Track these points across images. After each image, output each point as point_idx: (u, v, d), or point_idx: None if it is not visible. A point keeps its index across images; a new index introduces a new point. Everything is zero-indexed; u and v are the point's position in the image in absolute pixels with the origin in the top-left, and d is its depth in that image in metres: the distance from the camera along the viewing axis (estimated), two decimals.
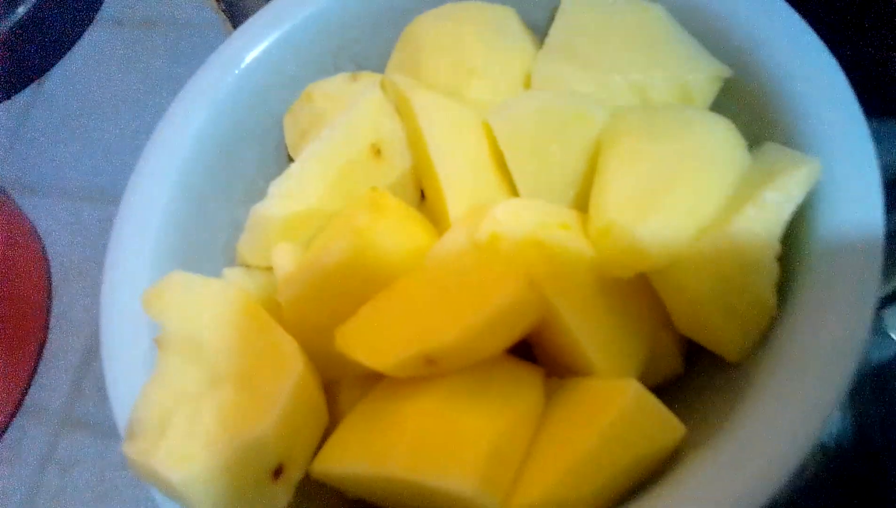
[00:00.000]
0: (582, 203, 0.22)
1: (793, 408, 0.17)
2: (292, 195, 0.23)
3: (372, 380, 0.22)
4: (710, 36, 0.24)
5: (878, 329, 0.34)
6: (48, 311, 0.34)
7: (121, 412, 0.22)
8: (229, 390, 0.20)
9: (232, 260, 0.27)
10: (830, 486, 0.57)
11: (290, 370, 0.20)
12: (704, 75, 0.23)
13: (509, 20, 0.27)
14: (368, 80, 0.28)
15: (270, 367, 0.20)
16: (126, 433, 0.21)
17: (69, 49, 0.43)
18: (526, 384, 0.21)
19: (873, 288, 0.18)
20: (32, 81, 0.42)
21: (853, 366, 0.17)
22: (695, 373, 0.22)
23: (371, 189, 0.23)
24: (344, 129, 0.24)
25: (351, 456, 0.20)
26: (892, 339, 0.38)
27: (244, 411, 0.19)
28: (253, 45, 0.28)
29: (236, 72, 0.28)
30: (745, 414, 0.18)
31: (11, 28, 0.39)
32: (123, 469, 0.30)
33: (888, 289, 0.25)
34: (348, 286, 0.21)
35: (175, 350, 0.21)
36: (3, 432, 0.31)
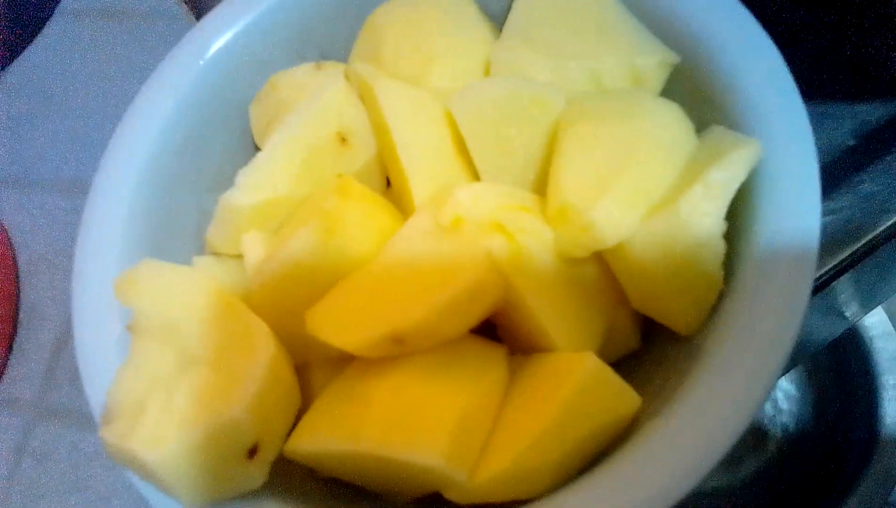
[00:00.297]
0: (541, 186, 0.23)
1: (737, 376, 0.19)
2: (260, 184, 0.24)
3: (342, 362, 0.22)
4: (659, 24, 0.24)
5: (832, 309, 0.36)
6: (17, 303, 0.34)
7: (95, 398, 0.22)
8: (203, 372, 0.20)
9: (201, 247, 0.28)
10: (792, 464, 0.59)
11: (262, 351, 0.20)
12: (654, 61, 0.24)
13: (468, 9, 0.28)
14: (332, 69, 0.29)
15: (242, 350, 0.21)
16: (101, 418, 0.21)
17: (30, 41, 0.42)
18: (490, 362, 0.22)
19: (811, 264, 0.19)
20: None
21: (794, 335, 0.18)
22: (651, 347, 0.23)
23: (337, 176, 0.23)
24: (309, 117, 0.24)
25: (323, 435, 0.20)
26: (846, 318, 0.40)
27: (218, 392, 0.20)
28: (218, 35, 0.28)
29: (202, 61, 0.28)
30: (694, 384, 0.19)
31: None
32: (98, 458, 0.30)
33: (835, 261, 0.27)
34: (317, 271, 0.22)
35: (148, 336, 0.21)
36: None
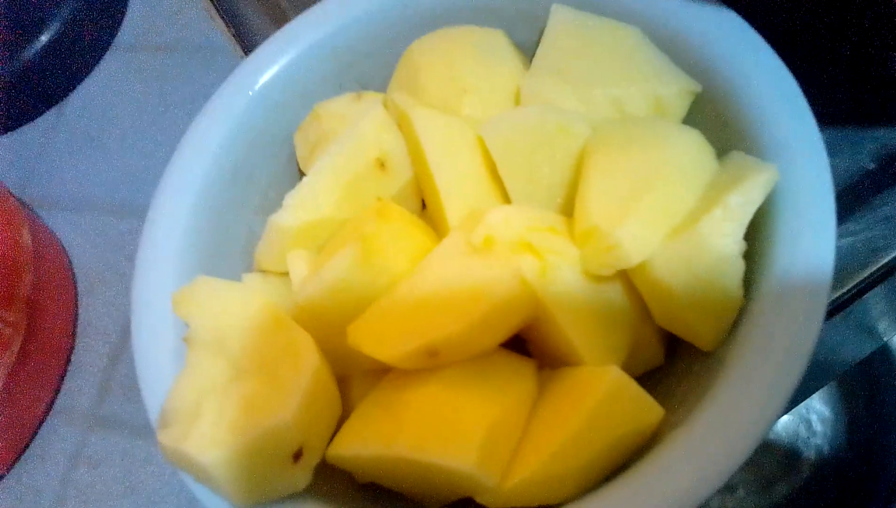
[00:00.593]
0: (568, 209, 0.25)
1: (755, 388, 0.20)
2: (305, 206, 0.26)
3: (380, 374, 0.24)
4: (681, 55, 0.26)
5: (860, 327, 0.36)
6: (75, 319, 0.37)
7: (152, 405, 0.24)
8: (252, 381, 0.22)
9: (248, 266, 0.29)
10: (824, 488, 0.59)
11: (307, 362, 0.22)
12: (677, 90, 0.25)
13: (499, 41, 0.29)
14: (371, 99, 0.30)
15: (289, 361, 0.22)
16: (159, 423, 0.23)
17: (88, 74, 0.45)
18: (519, 374, 0.23)
19: (826, 283, 0.20)
20: (54, 104, 0.45)
21: (810, 350, 0.19)
22: (675, 362, 0.24)
23: (377, 199, 0.25)
24: (351, 144, 0.26)
25: (362, 440, 0.22)
26: (877, 336, 0.40)
27: (267, 400, 0.21)
28: (266, 68, 0.30)
29: (250, 93, 0.30)
30: (714, 396, 0.20)
31: (35, 54, 0.41)
32: (149, 464, 0.32)
33: (858, 279, 0.27)
34: (357, 289, 0.23)
35: (202, 347, 0.23)
36: (36, 431, 0.34)
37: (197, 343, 0.23)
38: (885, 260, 0.26)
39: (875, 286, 0.25)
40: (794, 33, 0.26)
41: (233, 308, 0.23)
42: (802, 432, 0.60)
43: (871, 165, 0.27)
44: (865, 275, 0.26)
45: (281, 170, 0.31)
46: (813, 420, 0.60)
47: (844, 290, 0.26)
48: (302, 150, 0.31)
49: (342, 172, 0.26)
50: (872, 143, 0.27)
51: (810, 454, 0.59)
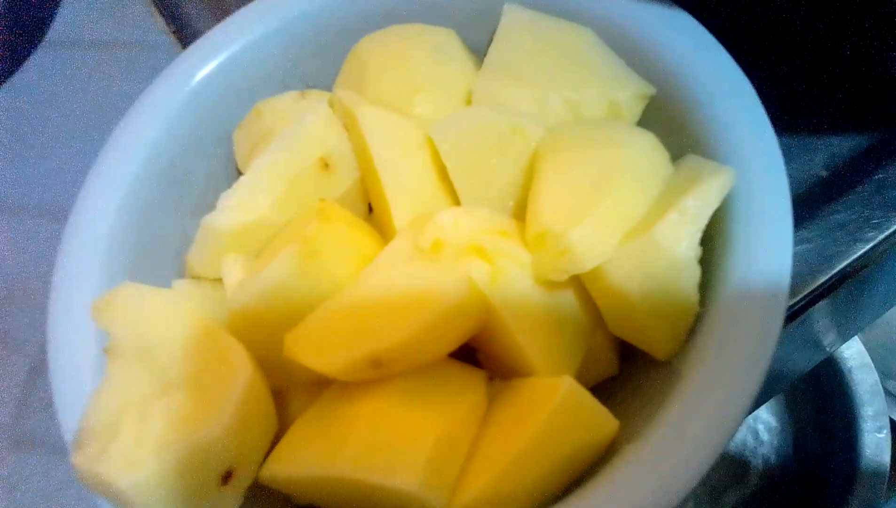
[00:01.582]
0: (520, 212, 0.24)
1: (713, 400, 0.19)
2: (242, 207, 0.24)
3: (320, 387, 0.22)
4: (636, 57, 0.25)
5: (809, 338, 0.36)
6: None
7: (67, 423, 0.22)
8: (179, 395, 0.20)
9: (181, 272, 0.27)
10: (773, 497, 0.59)
11: (238, 375, 0.20)
12: (631, 93, 0.25)
13: (451, 40, 0.28)
14: (316, 97, 0.29)
15: (220, 373, 0.20)
16: (74, 443, 0.21)
17: (16, 70, 0.43)
18: (468, 386, 0.22)
19: (784, 290, 0.19)
20: None
21: (768, 359, 0.18)
22: (630, 372, 0.23)
23: (319, 200, 0.24)
24: (292, 142, 0.25)
25: (299, 459, 0.20)
26: (823, 347, 0.40)
27: (194, 415, 0.19)
28: (204, 63, 0.28)
29: (187, 88, 0.28)
30: (671, 408, 0.19)
31: None
32: (71, 486, 0.29)
33: (809, 289, 0.27)
34: (296, 295, 0.22)
35: (124, 359, 0.21)
36: None
37: (118, 354, 0.21)
38: (837, 269, 0.26)
39: (830, 293, 0.25)
40: (795, 34, 0.26)
41: (159, 317, 0.22)
42: (750, 441, 0.60)
43: (824, 173, 0.27)
44: (819, 282, 0.26)
45: (219, 170, 0.29)
46: (760, 430, 0.60)
47: (797, 299, 0.26)
48: (241, 149, 0.29)
49: (283, 172, 0.24)
50: (824, 150, 0.27)
51: (758, 463, 0.60)
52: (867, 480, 0.51)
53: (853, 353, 0.54)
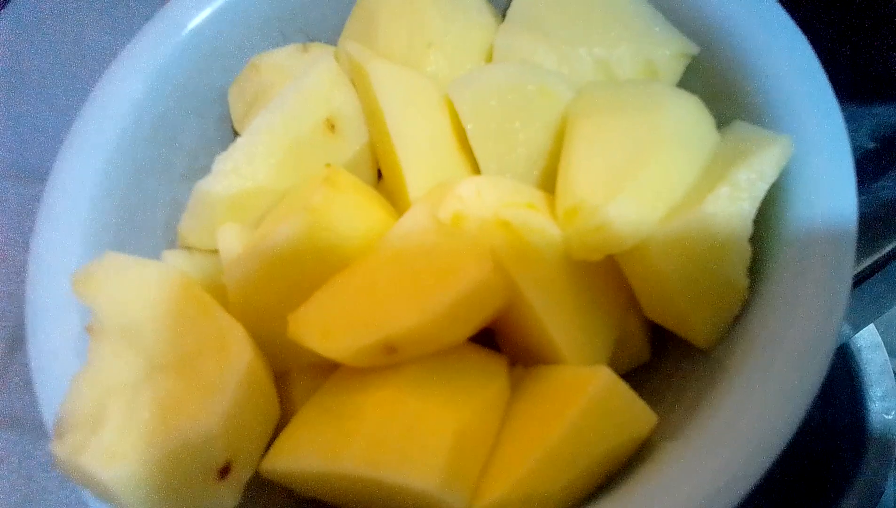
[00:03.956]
0: (547, 183, 0.22)
1: (767, 397, 0.17)
2: (239, 172, 0.22)
3: (326, 370, 0.20)
4: (676, 12, 0.23)
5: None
6: None
7: (48, 406, 0.20)
8: (170, 380, 0.18)
9: (172, 242, 0.25)
10: (777, 476, 0.58)
11: (237, 358, 0.18)
12: (671, 52, 0.22)
13: None
14: (319, 51, 0.27)
15: (215, 355, 0.18)
16: (55, 430, 0.19)
17: None
18: (490, 373, 0.20)
19: (848, 272, 0.17)
20: None
21: (831, 347, 0.17)
22: (662, 361, 0.22)
23: (326, 165, 0.21)
24: (295, 100, 0.22)
25: (304, 453, 0.18)
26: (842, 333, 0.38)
27: (186, 403, 0.18)
28: (196, 12, 0.26)
29: (177, 39, 0.26)
30: (716, 405, 0.18)
31: None
32: (52, 468, 0.28)
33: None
34: (301, 269, 0.20)
35: (109, 338, 0.19)
36: None
37: (102, 333, 0.19)
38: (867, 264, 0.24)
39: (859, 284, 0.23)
40: None
41: (147, 291, 0.19)
42: None
43: (872, 145, 0.25)
44: (862, 268, 0.24)
45: (212, 130, 0.27)
46: None
47: None
48: (237, 108, 0.27)
49: (284, 134, 0.22)
50: (872, 120, 0.25)
51: None
52: (874, 459, 0.50)
53: (863, 333, 0.53)
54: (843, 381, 0.54)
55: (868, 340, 0.53)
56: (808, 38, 0.25)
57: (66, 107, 0.37)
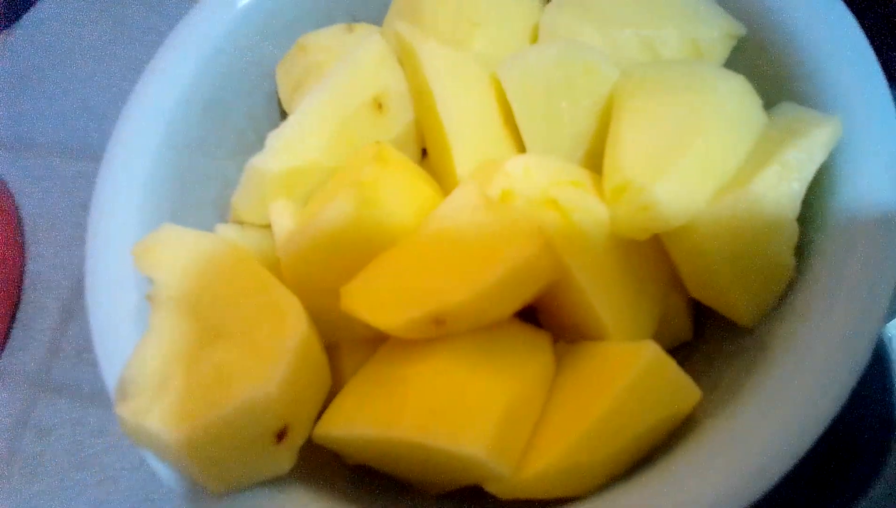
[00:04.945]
0: (592, 162, 0.22)
1: (812, 375, 0.17)
2: (291, 149, 0.22)
3: (375, 342, 0.21)
4: None
5: None
6: (22, 271, 0.33)
7: (110, 373, 0.21)
8: (229, 347, 0.19)
9: (222, 215, 0.26)
10: (800, 465, 0.58)
11: (293, 328, 0.19)
12: (718, 33, 0.22)
13: None
14: (364, 31, 0.27)
15: (272, 324, 0.19)
16: (117, 394, 0.20)
17: (33, 3, 0.40)
18: (536, 348, 0.20)
19: (894, 256, 0.17)
20: None
21: (877, 327, 0.17)
22: (704, 339, 0.22)
23: (375, 143, 0.22)
24: (345, 79, 0.23)
25: (356, 419, 0.19)
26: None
27: (245, 370, 0.18)
28: None
29: (227, 20, 0.26)
30: (759, 385, 0.18)
31: None
32: (104, 435, 0.29)
33: None
34: (352, 244, 0.20)
35: (169, 306, 0.20)
36: None
37: (162, 302, 0.20)
38: None
39: None
40: None
41: (205, 262, 0.20)
42: None
43: None
44: None
45: (260, 108, 0.28)
46: None
47: None
48: (284, 86, 0.27)
49: (333, 112, 0.23)
50: None
51: None
52: None
53: (894, 322, 0.52)
54: (872, 371, 0.54)
55: None
56: None
57: (110, 85, 0.38)
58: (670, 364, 0.18)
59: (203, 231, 0.21)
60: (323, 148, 0.23)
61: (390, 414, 0.18)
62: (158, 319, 0.20)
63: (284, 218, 0.22)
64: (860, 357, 0.17)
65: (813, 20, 0.21)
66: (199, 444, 0.18)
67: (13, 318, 0.31)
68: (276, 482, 0.19)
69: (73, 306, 0.32)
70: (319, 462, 0.20)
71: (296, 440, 0.19)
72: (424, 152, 0.25)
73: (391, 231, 0.20)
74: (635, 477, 0.18)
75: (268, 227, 0.23)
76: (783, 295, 0.19)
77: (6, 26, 0.40)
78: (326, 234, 0.20)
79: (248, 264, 0.20)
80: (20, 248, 0.33)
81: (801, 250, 0.19)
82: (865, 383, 0.52)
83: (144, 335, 0.20)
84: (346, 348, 0.22)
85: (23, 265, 0.32)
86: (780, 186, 0.18)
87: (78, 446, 0.28)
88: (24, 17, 0.41)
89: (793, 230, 0.18)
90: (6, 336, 0.31)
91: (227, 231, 0.23)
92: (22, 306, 0.32)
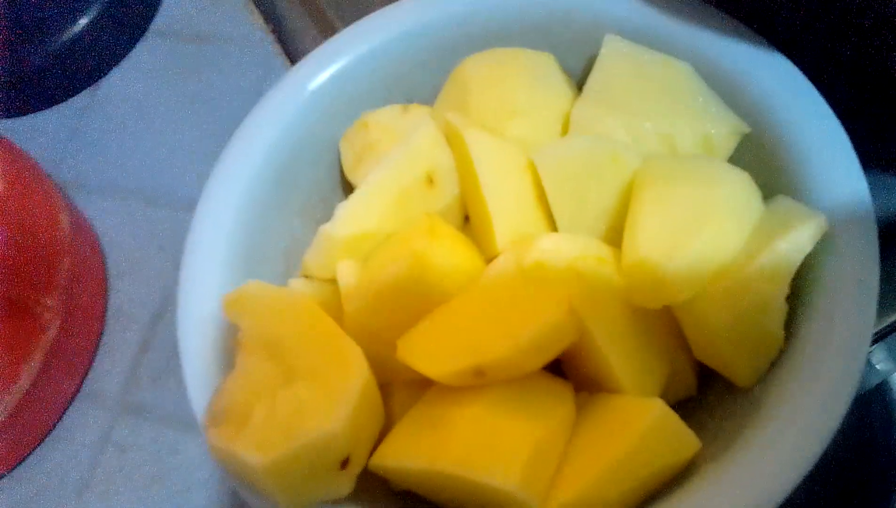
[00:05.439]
0: (611, 236, 0.25)
1: (794, 431, 0.20)
2: (356, 217, 0.26)
3: (421, 385, 0.24)
4: (731, 95, 0.26)
5: (871, 363, 0.37)
6: (105, 304, 0.37)
7: (198, 403, 0.24)
8: (302, 387, 0.22)
9: (288, 267, 0.30)
10: (810, 500, 0.60)
11: (357, 373, 0.22)
12: (726, 130, 0.26)
13: (549, 66, 0.30)
14: (418, 112, 0.31)
15: (339, 369, 0.23)
16: (207, 421, 0.23)
17: (122, 58, 0.45)
18: (560, 398, 0.24)
19: (867, 335, 0.21)
20: (88, 86, 0.45)
21: (850, 397, 0.20)
22: (706, 395, 0.25)
23: (427, 215, 0.26)
24: (403, 159, 0.27)
25: (407, 453, 0.23)
26: (877, 370, 0.41)
27: (317, 407, 0.22)
28: (316, 74, 0.31)
29: (301, 98, 0.30)
30: (752, 435, 0.21)
31: (73, 37, 0.42)
32: (176, 454, 0.32)
33: (879, 328, 0.28)
34: (405, 302, 0.24)
35: (253, 350, 0.24)
36: (64, 413, 0.34)
37: (248, 345, 0.24)
38: None
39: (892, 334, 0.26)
40: (795, 34, 0.27)
41: (284, 313, 0.24)
42: None
43: None
44: (890, 321, 0.27)
45: (323, 174, 0.32)
46: None
47: None
48: (347, 157, 0.31)
49: (393, 186, 0.27)
50: None
51: None
52: None
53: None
54: (880, 421, 0.55)
55: None
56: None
57: (185, 140, 0.42)
58: (674, 419, 0.21)
59: (282, 287, 0.25)
60: (382, 216, 0.27)
61: (435, 450, 0.22)
62: (244, 359, 0.24)
63: (349, 275, 0.26)
64: (838, 413, 0.20)
65: (805, 122, 0.25)
66: (278, 468, 0.21)
67: (97, 346, 0.35)
68: (336, 502, 0.23)
69: (150, 338, 0.36)
70: (371, 485, 0.24)
71: (356, 468, 0.22)
72: (467, 219, 0.29)
73: (440, 292, 0.24)
74: None
75: (333, 281, 0.27)
76: (775, 361, 0.22)
77: (94, 81, 0.46)
78: (384, 292, 0.24)
79: (320, 316, 0.24)
80: (104, 284, 0.37)
81: (790, 324, 0.22)
82: (874, 433, 0.54)
83: (231, 372, 0.24)
84: (395, 388, 0.25)
85: (106, 300, 0.37)
86: (771, 271, 0.21)
87: (154, 463, 0.32)
88: (112, 72, 0.46)
89: (782, 308, 0.22)
90: (91, 361, 0.35)
91: (297, 285, 0.27)
92: (105, 336, 0.36)
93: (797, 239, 0.21)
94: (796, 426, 0.20)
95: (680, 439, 0.22)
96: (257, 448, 0.21)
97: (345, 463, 0.22)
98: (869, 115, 0.29)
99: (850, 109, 0.28)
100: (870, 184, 0.23)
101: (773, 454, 0.20)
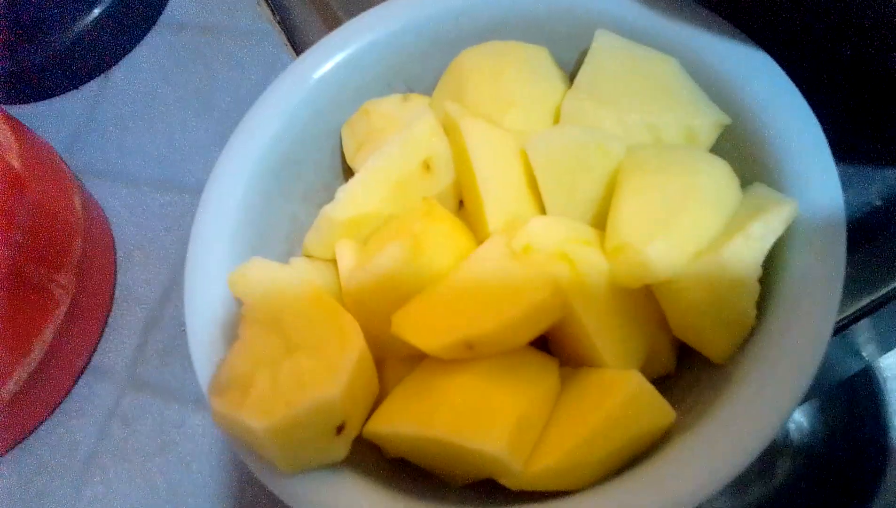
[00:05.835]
0: (598, 222, 0.27)
1: (760, 402, 0.22)
2: (356, 201, 0.28)
3: (414, 360, 0.26)
4: (713, 88, 0.28)
5: (850, 349, 0.39)
6: (114, 285, 0.38)
7: (203, 373, 0.26)
8: (302, 357, 0.24)
9: (290, 249, 0.31)
10: (797, 495, 0.62)
11: (353, 345, 0.24)
12: (709, 121, 0.27)
13: (543, 59, 0.31)
14: (418, 101, 0.32)
15: (337, 342, 0.24)
16: (212, 390, 0.25)
17: (133, 47, 0.47)
18: (545, 371, 0.25)
19: (833, 311, 0.22)
20: (100, 75, 0.46)
21: (813, 372, 0.21)
22: (684, 371, 0.26)
23: (424, 200, 0.27)
24: (403, 146, 0.28)
25: (400, 420, 0.24)
26: (863, 357, 0.42)
27: (316, 376, 0.23)
28: (321, 64, 0.32)
29: (305, 87, 0.32)
30: (722, 406, 0.23)
31: (86, 26, 0.43)
32: (181, 426, 0.34)
33: (856, 307, 0.29)
34: (402, 282, 0.25)
35: (256, 323, 0.25)
36: (72, 388, 0.36)
37: (251, 319, 0.25)
38: (887, 288, 0.28)
39: (875, 312, 0.28)
40: (795, 34, 0.27)
41: (287, 290, 0.25)
42: (779, 440, 0.63)
43: (878, 202, 0.29)
44: (866, 302, 0.28)
45: (325, 161, 0.33)
46: (791, 430, 0.63)
47: (845, 315, 0.28)
48: (349, 144, 0.32)
49: (392, 171, 0.28)
50: (881, 182, 0.30)
51: (786, 461, 0.62)
52: (893, 484, 0.53)
53: (890, 363, 0.56)
54: (868, 410, 0.57)
55: (895, 370, 0.56)
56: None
57: (195, 128, 0.44)
58: (651, 390, 0.23)
59: (283, 264, 0.26)
60: (381, 200, 0.28)
61: (426, 417, 0.23)
62: (247, 332, 0.25)
63: (347, 255, 0.27)
64: (799, 390, 0.21)
65: (781, 115, 0.26)
66: (279, 433, 0.23)
67: (106, 323, 0.37)
68: (333, 466, 0.24)
69: (157, 316, 0.37)
70: (366, 452, 0.25)
71: (351, 433, 0.24)
72: (461, 204, 0.30)
73: (433, 272, 0.25)
74: (622, 476, 0.23)
75: (333, 261, 0.28)
76: (746, 338, 0.24)
77: (106, 69, 0.47)
78: (381, 273, 0.25)
79: (318, 292, 0.25)
80: (113, 265, 0.38)
81: (761, 304, 0.23)
82: (862, 419, 0.56)
83: (235, 344, 0.25)
84: (389, 362, 0.27)
85: (115, 280, 0.38)
86: (743, 253, 0.23)
87: (159, 434, 0.33)
88: (123, 61, 0.47)
89: (755, 288, 0.23)
90: (98, 338, 0.37)
91: (299, 264, 0.29)
92: (113, 314, 0.37)
93: (770, 222, 0.23)
94: (762, 400, 0.21)
95: (656, 409, 0.23)
96: (260, 414, 0.23)
97: (340, 429, 0.23)
98: (869, 115, 0.29)
99: (851, 109, 0.29)
100: (847, 174, 0.25)
101: (740, 424, 0.21)
